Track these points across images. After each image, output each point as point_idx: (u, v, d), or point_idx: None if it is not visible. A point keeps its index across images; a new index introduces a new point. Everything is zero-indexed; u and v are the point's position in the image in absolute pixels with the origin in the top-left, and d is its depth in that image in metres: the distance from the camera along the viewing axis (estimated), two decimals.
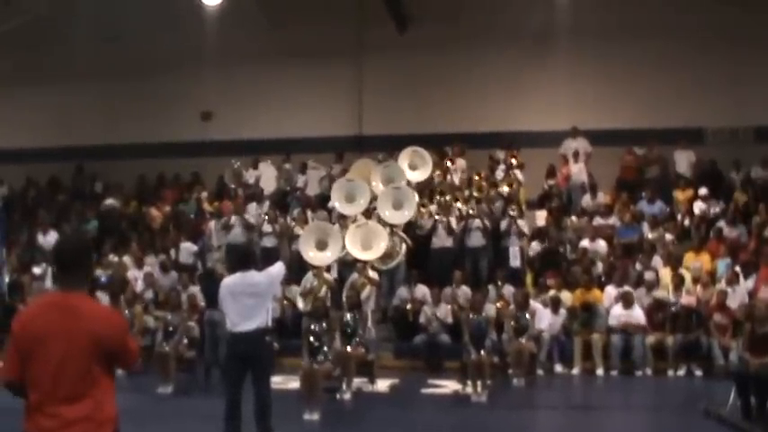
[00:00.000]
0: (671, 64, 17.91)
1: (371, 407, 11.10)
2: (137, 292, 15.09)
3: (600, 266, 15.09)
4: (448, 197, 15.43)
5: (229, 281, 7.82)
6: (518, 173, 16.45)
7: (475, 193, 15.95)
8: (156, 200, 19.12)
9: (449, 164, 16.66)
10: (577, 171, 17.69)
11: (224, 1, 17.68)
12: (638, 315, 13.40)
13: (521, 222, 15.20)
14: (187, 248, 16.46)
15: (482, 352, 11.39)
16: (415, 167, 13.23)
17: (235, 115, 19.91)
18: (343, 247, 11.45)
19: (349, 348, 11.36)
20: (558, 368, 13.50)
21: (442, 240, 14.99)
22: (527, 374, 12.44)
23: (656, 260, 14.83)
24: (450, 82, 19.07)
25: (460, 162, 17.29)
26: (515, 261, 14.86)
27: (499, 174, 16.72)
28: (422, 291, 14.35)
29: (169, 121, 20.18)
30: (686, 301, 13.67)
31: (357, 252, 11.61)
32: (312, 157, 18.65)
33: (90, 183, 20.73)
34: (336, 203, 12.53)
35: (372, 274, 12.24)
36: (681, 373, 13.07)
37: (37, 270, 16.16)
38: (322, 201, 16.27)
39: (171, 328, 12.57)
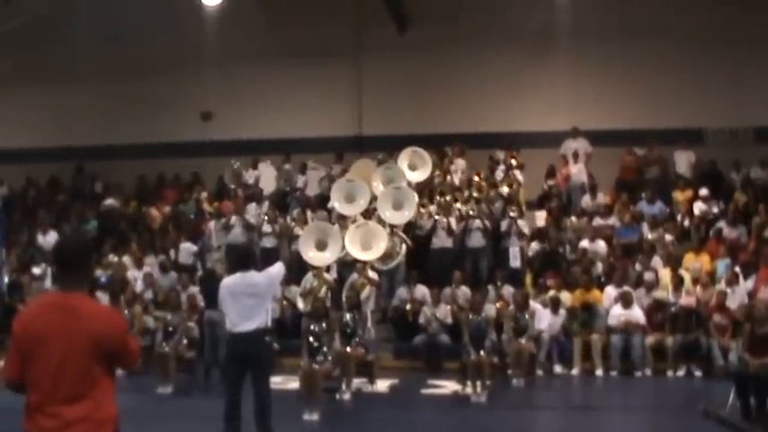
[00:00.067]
0: (671, 64, 17.92)
1: (371, 407, 11.10)
2: (136, 292, 15.09)
3: (599, 267, 15.09)
4: (448, 197, 15.43)
5: (229, 281, 7.83)
6: (518, 173, 16.45)
7: (475, 194, 15.95)
8: (156, 200, 19.13)
9: (449, 164, 16.67)
10: (577, 171, 17.70)
11: (224, 1, 17.68)
12: (637, 315, 13.41)
13: (521, 223, 15.19)
14: (187, 249, 16.46)
15: (482, 352, 11.39)
16: (414, 168, 13.24)
17: (234, 115, 19.92)
18: (343, 247, 11.46)
19: (349, 349, 11.36)
20: (558, 368, 13.50)
21: (441, 241, 14.98)
22: (526, 375, 12.45)
23: (656, 261, 14.83)
24: (449, 82, 19.08)
25: (460, 162, 17.30)
26: (515, 261, 14.86)
27: (499, 174, 16.71)
28: (421, 291, 14.34)
29: (169, 122, 20.18)
30: (686, 301, 13.67)
31: (357, 252, 11.62)
32: (312, 157, 18.65)
33: (90, 183, 20.74)
34: (336, 204, 12.54)
35: (372, 274, 12.25)
36: (680, 373, 13.06)
37: (37, 270, 16.16)
38: (322, 201, 16.27)
39: (171, 329, 12.57)
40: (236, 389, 7.54)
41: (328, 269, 12.30)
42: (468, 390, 11.24)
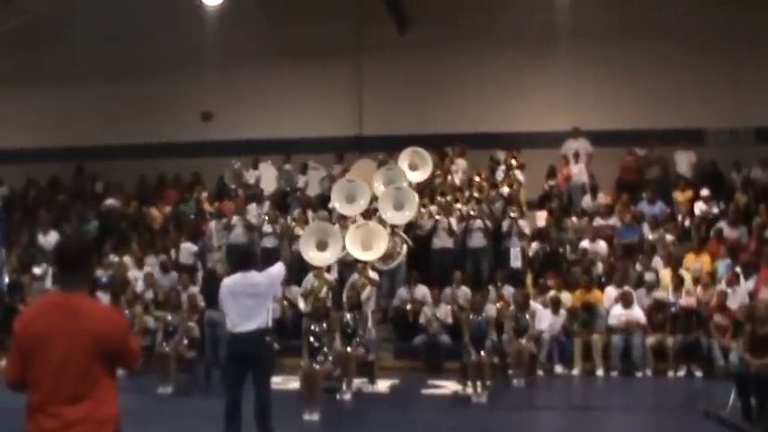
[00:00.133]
0: (671, 65, 17.91)
1: (371, 407, 11.10)
2: (137, 292, 15.08)
3: (600, 267, 15.09)
4: (448, 198, 15.43)
5: (230, 281, 7.82)
6: (518, 173, 16.45)
7: (475, 194, 15.95)
8: (157, 200, 19.12)
9: (449, 164, 16.67)
10: (578, 172, 17.70)
11: (224, 1, 17.67)
12: (637, 315, 13.41)
13: (522, 223, 15.19)
14: (187, 249, 16.46)
15: (482, 352, 11.39)
16: (415, 168, 13.26)
17: (235, 116, 19.91)
18: (344, 247, 11.47)
19: (349, 349, 11.36)
20: (558, 369, 13.50)
21: (442, 241, 14.98)
22: (527, 375, 12.45)
23: (657, 261, 14.83)
24: (450, 82, 19.07)
25: (461, 162, 17.31)
26: (516, 262, 14.85)
27: (499, 174, 16.71)
28: (422, 291, 14.34)
29: (169, 122, 20.17)
30: (686, 301, 13.67)
31: (357, 252, 11.63)
32: (312, 157, 18.64)
33: (90, 183, 20.74)
34: (337, 204, 12.55)
35: (373, 274, 12.26)
36: (681, 373, 13.06)
37: (37, 270, 16.17)
38: (322, 201, 16.27)
39: (171, 329, 12.57)
40: (236, 389, 7.53)
41: (329, 269, 12.31)
42: (469, 390, 11.24)
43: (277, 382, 9.81)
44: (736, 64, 17.59)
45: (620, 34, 17.82)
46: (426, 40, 18.93)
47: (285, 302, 14.00)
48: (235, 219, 15.69)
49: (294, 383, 10.66)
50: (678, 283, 14.00)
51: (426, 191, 15.34)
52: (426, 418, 10.55)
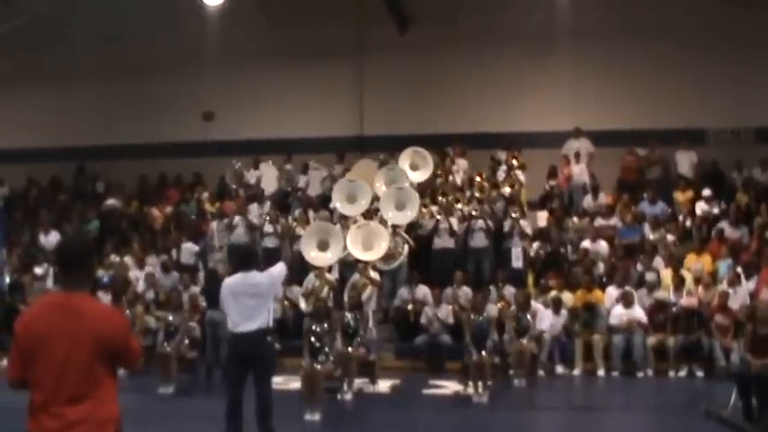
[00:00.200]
0: (672, 65, 17.90)
1: (372, 407, 11.10)
2: (138, 292, 15.09)
3: (601, 267, 15.08)
4: (449, 198, 15.43)
5: (231, 281, 7.82)
6: (519, 173, 16.45)
7: (476, 194, 15.95)
8: (158, 200, 19.13)
9: (450, 164, 16.67)
10: (579, 172, 17.69)
11: (224, 1, 17.67)
12: (638, 314, 13.41)
13: (523, 223, 15.19)
14: (188, 249, 16.46)
15: (483, 353, 11.38)
16: (416, 167, 13.26)
17: (236, 116, 19.92)
18: (345, 247, 11.46)
19: (350, 349, 11.36)
20: (560, 369, 13.49)
21: (443, 241, 14.98)
22: (528, 375, 12.44)
23: (658, 261, 14.81)
24: (450, 82, 19.07)
25: (462, 163, 17.31)
26: (517, 262, 14.85)
27: (500, 174, 16.71)
28: (423, 291, 14.33)
29: (170, 122, 20.19)
30: (687, 302, 13.65)
31: (358, 252, 11.63)
32: (313, 157, 18.64)
33: (91, 183, 20.75)
34: (338, 204, 12.55)
35: (374, 274, 12.26)
36: (682, 374, 13.05)
37: (38, 270, 16.17)
38: (323, 201, 16.27)
39: (172, 329, 12.57)
40: (237, 389, 7.53)
41: (330, 269, 12.31)
42: (470, 390, 11.23)
43: (278, 382, 9.80)
44: (737, 64, 17.58)
45: (620, 34, 17.82)
46: (427, 40, 18.93)
47: (286, 302, 14.00)
48: (236, 219, 15.71)
49: (295, 383, 10.66)
50: (679, 283, 13.99)
51: (427, 191, 15.34)
52: (427, 418, 10.55)
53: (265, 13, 19.43)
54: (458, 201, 15.55)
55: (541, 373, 13.16)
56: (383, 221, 12.17)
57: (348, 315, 11.75)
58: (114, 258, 16.38)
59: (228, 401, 7.49)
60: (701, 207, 16.11)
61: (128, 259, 16.43)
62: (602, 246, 15.44)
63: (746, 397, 9.15)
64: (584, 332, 13.60)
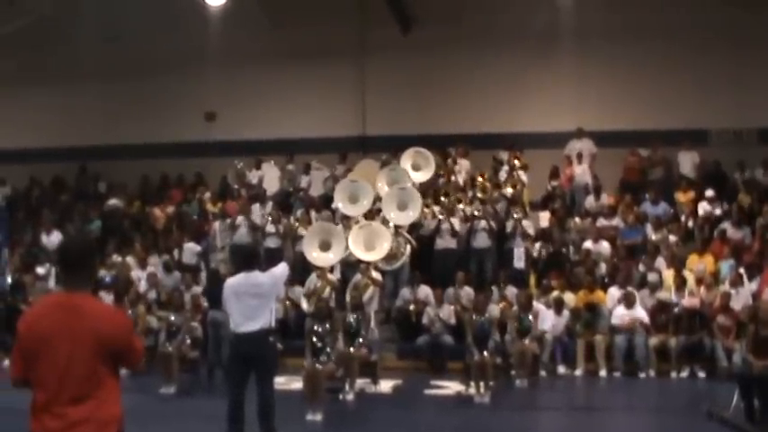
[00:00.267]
0: (674, 65, 17.88)
1: (374, 408, 11.10)
2: (140, 292, 15.10)
3: (603, 268, 15.07)
4: (452, 198, 15.43)
5: (233, 281, 7.83)
6: (521, 174, 16.44)
7: (479, 195, 15.95)
8: (160, 200, 19.14)
9: (452, 164, 16.67)
10: (581, 172, 17.68)
11: (226, 1, 17.68)
12: (640, 315, 13.40)
13: (525, 223, 15.19)
14: (190, 249, 16.47)
15: (485, 353, 11.38)
16: (418, 168, 13.24)
17: (238, 116, 19.92)
18: (347, 247, 11.45)
19: (352, 349, 11.36)
20: (561, 369, 13.49)
21: (445, 241, 14.98)
22: (530, 375, 12.44)
23: (660, 261, 14.81)
24: (453, 83, 19.06)
25: (464, 163, 17.31)
26: (519, 262, 14.85)
27: (502, 175, 16.71)
28: (425, 291, 14.34)
29: (172, 122, 20.19)
30: (689, 302, 13.64)
31: (360, 253, 11.62)
32: (315, 157, 18.66)
33: (93, 183, 20.77)
34: (340, 204, 12.53)
35: (376, 274, 12.25)
36: (684, 374, 13.05)
37: (40, 270, 16.18)
38: (325, 201, 16.27)
39: (174, 329, 12.57)
40: (239, 389, 7.53)
41: (332, 270, 12.30)
42: (472, 390, 11.24)
43: (280, 382, 9.79)
44: (739, 64, 17.56)
45: (623, 35, 17.80)
46: (429, 41, 18.93)
47: (288, 303, 14.00)
48: (239, 219, 15.71)
49: (297, 384, 10.67)
50: (681, 283, 13.98)
51: (429, 191, 15.33)
52: (429, 418, 10.55)
53: (267, 13, 19.43)
54: (460, 201, 15.56)
55: (543, 373, 13.15)
56: (385, 222, 12.16)
57: (350, 315, 11.75)
58: (116, 258, 16.39)
59: (230, 402, 7.49)
60: (703, 207, 16.10)
61: (130, 259, 16.45)
62: (605, 246, 15.44)
63: (748, 398, 9.14)
64: (585, 333, 13.60)
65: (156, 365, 11.93)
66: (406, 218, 12.25)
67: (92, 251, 3.86)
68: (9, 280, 16.46)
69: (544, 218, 16.93)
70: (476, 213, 15.15)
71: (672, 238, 15.44)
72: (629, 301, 13.47)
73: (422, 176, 13.36)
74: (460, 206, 15.44)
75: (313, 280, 12.03)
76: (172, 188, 19.88)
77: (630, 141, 17.91)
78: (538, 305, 13.49)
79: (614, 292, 14.05)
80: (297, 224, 15.35)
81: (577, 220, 16.57)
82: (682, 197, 16.73)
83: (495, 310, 13.00)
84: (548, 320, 13.50)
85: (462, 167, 17.10)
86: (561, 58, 18.14)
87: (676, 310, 13.62)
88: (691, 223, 16.15)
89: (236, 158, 17.77)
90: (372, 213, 12.62)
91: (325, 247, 11.26)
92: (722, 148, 17.81)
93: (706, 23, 17.57)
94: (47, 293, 13.25)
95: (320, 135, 19.37)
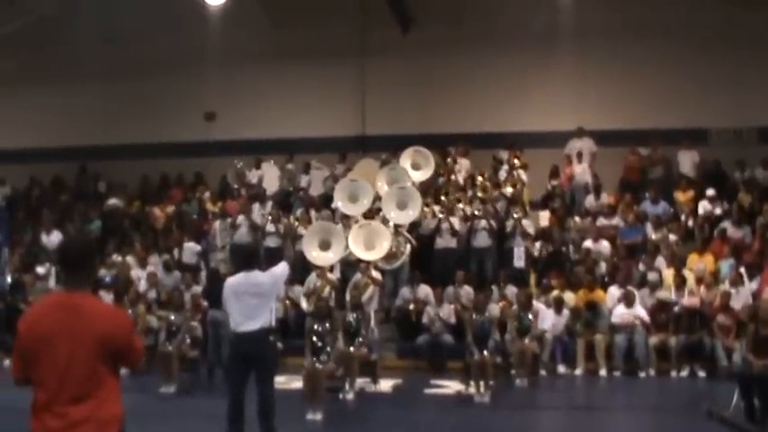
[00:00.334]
0: (674, 64, 17.89)
1: (374, 407, 11.10)
2: (140, 291, 15.11)
3: (603, 267, 15.08)
4: (452, 197, 15.43)
5: (233, 281, 7.82)
6: (521, 173, 16.44)
7: (479, 194, 15.95)
8: (160, 200, 19.14)
9: (453, 164, 16.67)
10: (581, 171, 17.68)
11: (226, 1, 17.68)
12: (640, 313, 13.41)
13: (525, 223, 15.20)
14: (190, 248, 16.48)
15: (485, 352, 11.38)
16: (418, 167, 13.23)
17: (238, 115, 19.92)
18: (347, 247, 11.45)
19: (352, 348, 11.36)
20: (561, 369, 13.50)
21: (445, 241, 14.99)
22: (530, 375, 12.44)
23: (660, 261, 14.82)
24: (453, 82, 19.06)
25: (464, 162, 17.31)
26: (519, 262, 14.86)
27: (502, 174, 16.71)
28: (424, 291, 14.34)
29: (172, 122, 20.20)
30: (689, 301, 13.65)
31: (360, 252, 11.61)
32: (315, 157, 18.67)
33: (93, 183, 20.76)
34: (340, 203, 12.52)
35: (376, 274, 12.24)
36: (684, 374, 13.06)
37: (40, 270, 16.19)
38: (325, 201, 16.27)
39: (174, 328, 12.58)
40: (239, 388, 7.53)
41: (332, 269, 12.30)
42: (472, 390, 11.24)
43: (280, 381, 9.78)
44: (739, 63, 17.56)
45: (623, 34, 17.81)
46: (429, 41, 18.93)
47: (288, 302, 14.01)
48: (240, 218, 15.72)
49: (297, 383, 10.67)
50: (681, 282, 13.98)
51: (429, 190, 15.34)
52: (429, 417, 10.55)
53: (268, 12, 19.43)
54: (460, 200, 15.56)
55: (543, 372, 13.15)
56: (385, 221, 12.16)
57: (350, 315, 11.74)
58: (116, 258, 16.40)
59: (230, 401, 7.49)
60: (703, 207, 16.10)
61: (130, 259, 16.45)
62: (605, 245, 15.44)
63: (748, 397, 9.14)
64: (585, 332, 13.60)
65: (156, 365, 11.93)
66: (406, 217, 12.24)
67: (92, 251, 3.87)
68: (9, 280, 16.47)
69: (544, 217, 16.94)
70: (476, 213, 15.16)
71: (672, 237, 15.45)
72: (628, 301, 13.48)
73: (421, 176, 13.35)
74: (460, 205, 15.44)
75: (313, 279, 12.02)
76: (172, 188, 19.88)
77: (630, 140, 17.92)
78: (538, 304, 13.49)
79: (614, 291, 14.06)
80: (297, 223, 15.36)
81: (577, 219, 16.57)
82: (682, 196, 16.73)
83: (495, 309, 13.00)
84: (548, 320, 13.51)
85: (462, 167, 17.11)
86: (561, 57, 18.14)
87: (676, 309, 13.63)
88: (691, 222, 16.15)
89: (236, 158, 17.78)
90: (372, 213, 12.61)
91: (324, 246, 11.25)
92: (722, 148, 17.81)
93: (706, 22, 17.57)
94: (47, 293, 13.24)
95: (320, 135, 19.37)
